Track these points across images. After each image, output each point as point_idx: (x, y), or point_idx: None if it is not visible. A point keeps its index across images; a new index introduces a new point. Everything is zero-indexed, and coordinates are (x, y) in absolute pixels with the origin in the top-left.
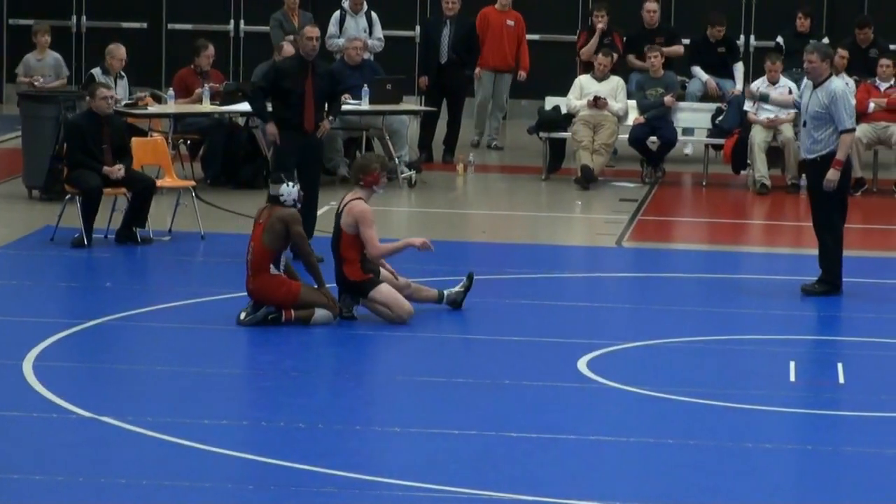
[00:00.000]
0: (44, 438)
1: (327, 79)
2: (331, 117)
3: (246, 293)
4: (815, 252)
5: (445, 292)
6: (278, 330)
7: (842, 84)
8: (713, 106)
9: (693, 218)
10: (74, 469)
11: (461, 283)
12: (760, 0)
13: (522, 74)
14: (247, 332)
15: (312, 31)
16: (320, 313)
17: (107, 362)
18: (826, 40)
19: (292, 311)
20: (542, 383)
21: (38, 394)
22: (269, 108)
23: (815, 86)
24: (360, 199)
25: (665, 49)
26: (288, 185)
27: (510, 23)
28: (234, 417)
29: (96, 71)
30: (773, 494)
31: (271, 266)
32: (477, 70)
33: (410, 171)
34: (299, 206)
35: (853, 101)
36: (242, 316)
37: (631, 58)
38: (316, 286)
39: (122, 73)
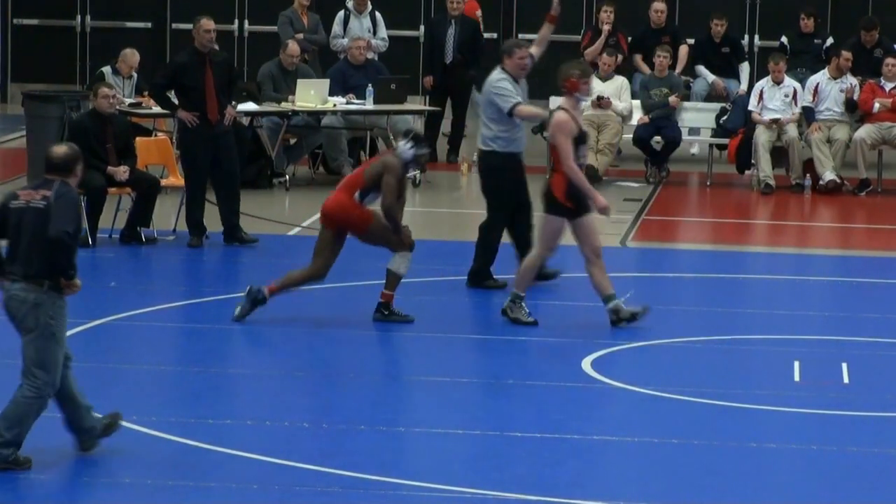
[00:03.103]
0: (48, 438)
1: (225, 68)
2: (233, 102)
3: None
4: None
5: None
6: (282, 329)
7: None
8: (717, 106)
9: (697, 218)
10: (78, 468)
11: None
12: (765, 0)
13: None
14: (251, 331)
15: (208, 23)
16: None
17: (111, 362)
18: (831, 40)
19: (275, 286)
20: (546, 383)
21: None
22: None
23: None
24: (563, 109)
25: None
26: (406, 144)
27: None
28: (238, 417)
29: (106, 69)
30: (778, 494)
31: (357, 194)
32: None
33: (415, 170)
34: (413, 170)
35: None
36: (237, 312)
37: (637, 58)
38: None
39: (133, 74)
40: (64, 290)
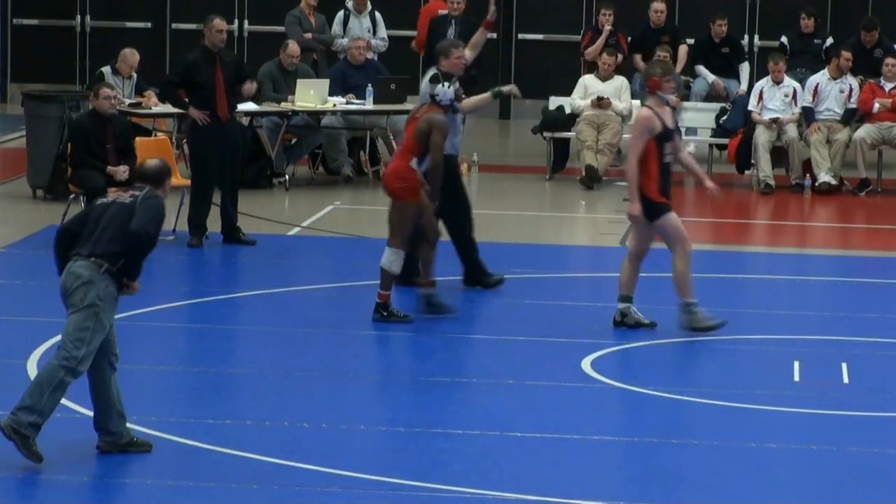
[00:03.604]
0: (48, 437)
1: (234, 67)
2: (250, 79)
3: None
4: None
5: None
6: (282, 329)
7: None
8: (717, 106)
9: (697, 218)
10: (78, 468)
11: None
12: (765, 0)
13: None
14: (251, 332)
15: (221, 23)
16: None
17: None
18: (830, 40)
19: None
20: (546, 383)
21: None
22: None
23: None
24: (647, 107)
25: (680, 53)
26: (443, 86)
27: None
28: (237, 417)
29: (106, 69)
30: (777, 494)
31: (414, 159)
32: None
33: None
34: (458, 105)
35: None
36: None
37: (637, 58)
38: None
39: (133, 74)
40: (122, 289)
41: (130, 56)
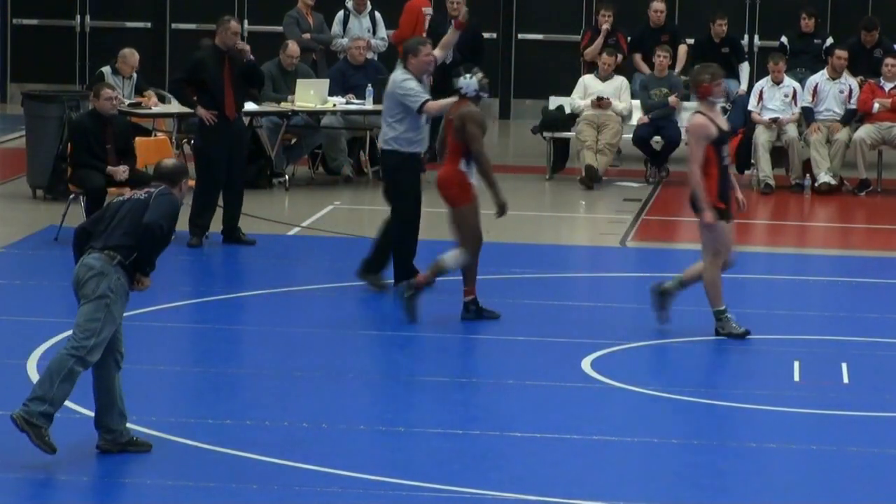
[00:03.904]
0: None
1: (240, 65)
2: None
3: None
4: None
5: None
6: (282, 330)
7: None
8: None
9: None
10: (77, 468)
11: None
12: (765, 0)
13: None
14: (251, 332)
15: (237, 26)
16: (450, 258)
17: None
18: (830, 40)
19: (468, 287)
20: (546, 383)
21: None
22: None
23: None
24: (700, 113)
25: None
26: (465, 77)
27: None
28: (237, 417)
29: (106, 69)
30: (777, 494)
31: (462, 161)
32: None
33: (486, 95)
34: (485, 95)
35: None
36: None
37: (637, 58)
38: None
39: (133, 75)
40: (134, 284)
41: (130, 56)
